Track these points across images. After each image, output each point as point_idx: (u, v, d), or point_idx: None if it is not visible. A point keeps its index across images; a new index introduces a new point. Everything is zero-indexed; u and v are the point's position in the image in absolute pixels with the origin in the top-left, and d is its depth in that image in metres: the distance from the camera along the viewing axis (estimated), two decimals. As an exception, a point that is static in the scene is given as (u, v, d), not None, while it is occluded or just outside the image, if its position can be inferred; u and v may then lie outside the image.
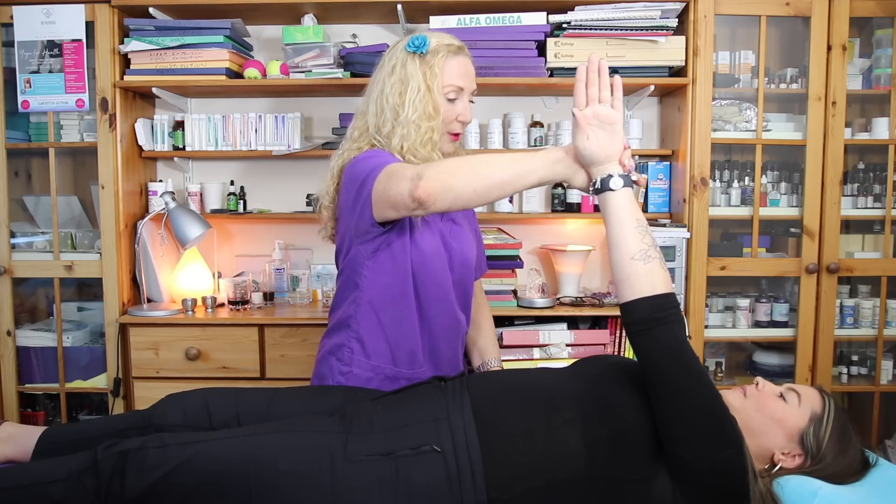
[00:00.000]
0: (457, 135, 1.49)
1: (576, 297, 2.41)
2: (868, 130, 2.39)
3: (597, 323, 2.40)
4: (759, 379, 1.32)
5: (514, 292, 2.39)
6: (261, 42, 2.61)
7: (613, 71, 2.27)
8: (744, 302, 2.41)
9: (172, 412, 1.36)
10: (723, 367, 2.49)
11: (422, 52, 1.42)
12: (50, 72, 2.31)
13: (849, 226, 2.45)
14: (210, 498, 1.15)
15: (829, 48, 2.27)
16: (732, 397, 1.28)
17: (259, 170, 2.67)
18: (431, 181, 1.17)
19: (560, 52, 2.28)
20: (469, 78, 1.47)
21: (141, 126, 2.44)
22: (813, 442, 1.21)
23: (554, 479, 1.16)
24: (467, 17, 2.30)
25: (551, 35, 2.31)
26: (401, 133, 1.40)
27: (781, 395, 1.27)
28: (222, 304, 2.45)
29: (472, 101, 1.49)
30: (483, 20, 2.30)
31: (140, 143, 2.45)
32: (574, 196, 2.50)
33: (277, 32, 2.52)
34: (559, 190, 2.52)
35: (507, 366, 2.18)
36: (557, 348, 2.26)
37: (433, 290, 1.46)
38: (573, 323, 2.40)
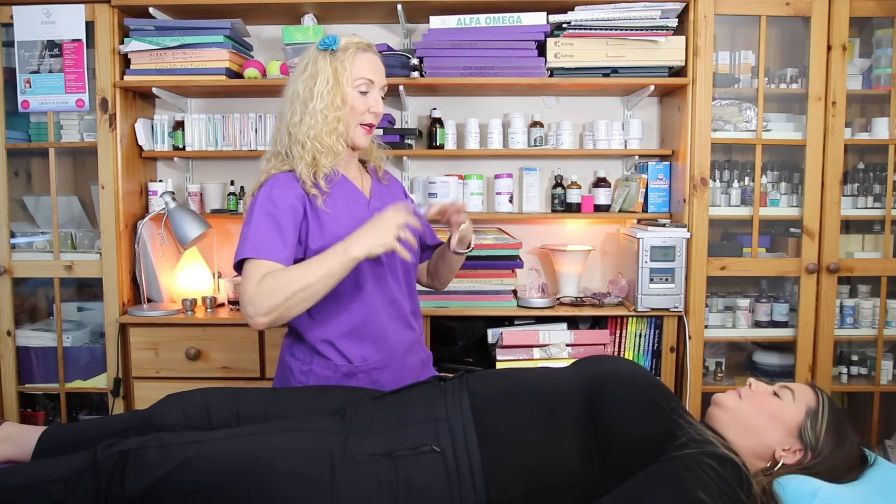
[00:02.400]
0: (370, 126, 1.56)
1: (576, 297, 2.41)
2: (868, 130, 2.39)
3: (597, 323, 2.40)
4: (751, 380, 1.34)
5: (514, 292, 2.40)
6: (261, 42, 2.61)
7: (613, 71, 2.30)
8: (744, 302, 2.41)
9: (172, 412, 1.36)
10: (723, 367, 2.49)
11: (332, 50, 1.49)
12: (50, 72, 2.31)
13: (849, 226, 2.45)
14: (210, 498, 1.15)
15: (829, 48, 2.27)
16: (728, 399, 1.29)
17: (259, 170, 2.66)
18: (259, 318, 1.36)
19: (560, 52, 2.28)
20: (378, 72, 1.54)
21: (141, 126, 2.44)
22: (811, 435, 1.22)
23: (550, 482, 1.16)
24: (467, 17, 2.30)
25: (551, 35, 2.31)
26: (308, 122, 1.47)
27: (775, 393, 1.28)
28: (222, 304, 2.45)
29: (382, 97, 1.57)
30: (483, 20, 2.30)
31: (140, 143, 2.45)
32: (574, 196, 2.50)
33: (277, 32, 2.52)
34: (559, 190, 2.52)
35: (507, 366, 2.20)
36: (557, 348, 2.26)
37: (365, 281, 1.51)
38: (573, 323, 2.40)
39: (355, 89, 1.50)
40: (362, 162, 1.69)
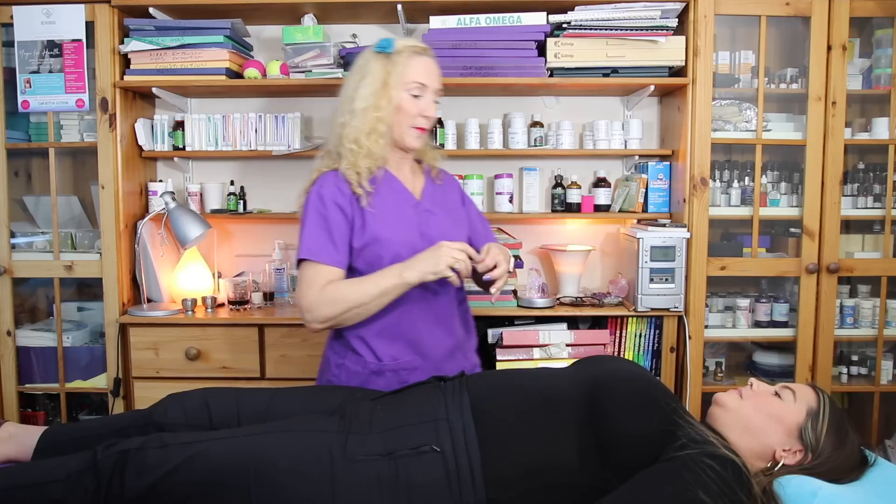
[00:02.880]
0: (422, 129, 1.56)
1: (576, 297, 2.41)
2: (868, 130, 2.39)
3: (597, 323, 2.40)
4: (752, 380, 1.33)
5: (514, 292, 2.40)
6: (261, 42, 2.61)
7: (613, 71, 2.30)
8: (744, 302, 2.41)
9: (173, 411, 1.37)
10: (723, 367, 2.49)
11: (387, 52, 1.51)
12: (50, 72, 2.31)
13: (849, 226, 2.45)
14: (210, 498, 1.15)
15: (829, 48, 2.27)
16: (729, 399, 1.29)
17: (259, 170, 2.67)
18: (315, 325, 1.48)
19: (560, 52, 2.28)
20: (432, 77, 1.55)
21: (141, 126, 2.44)
22: (812, 436, 1.22)
23: (550, 482, 1.16)
24: (467, 17, 2.30)
25: (551, 35, 2.31)
26: (351, 124, 1.52)
27: (776, 394, 1.28)
28: (222, 304, 2.45)
29: (436, 102, 1.57)
30: (483, 20, 2.30)
31: (140, 143, 2.45)
32: (574, 196, 2.50)
33: (277, 32, 2.52)
34: (559, 190, 2.52)
35: (507, 366, 2.20)
36: (557, 348, 2.26)
37: None
38: (573, 323, 2.40)
39: (407, 92, 1.51)
40: (419, 161, 1.69)
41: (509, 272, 1.51)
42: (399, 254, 1.48)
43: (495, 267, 1.47)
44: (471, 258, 1.44)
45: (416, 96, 1.52)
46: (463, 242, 1.46)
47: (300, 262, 1.50)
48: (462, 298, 1.65)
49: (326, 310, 1.45)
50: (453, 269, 1.42)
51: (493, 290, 1.50)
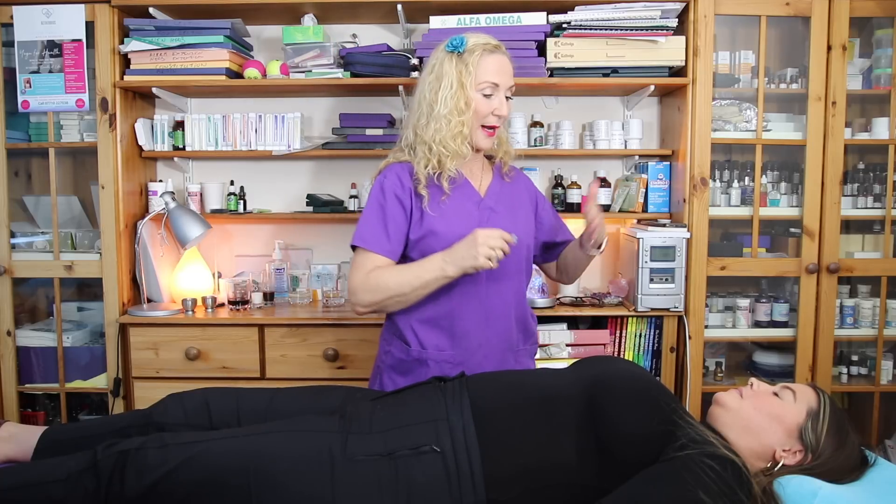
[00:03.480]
0: (493, 128, 1.57)
1: (576, 297, 2.41)
2: (868, 130, 2.39)
3: (597, 323, 2.40)
4: (752, 379, 1.33)
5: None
6: (261, 42, 2.61)
7: (613, 71, 2.30)
8: (744, 302, 2.41)
9: (173, 411, 1.37)
10: (723, 367, 2.49)
11: (459, 52, 1.51)
12: (50, 72, 2.31)
13: (849, 226, 2.45)
14: (210, 498, 1.15)
15: (829, 48, 2.27)
16: (729, 398, 1.29)
17: (259, 170, 2.67)
18: (359, 308, 1.53)
19: (560, 52, 2.28)
20: (504, 74, 1.55)
21: (141, 126, 2.44)
22: (812, 436, 1.22)
23: (550, 482, 1.16)
24: (467, 17, 2.30)
25: (551, 35, 2.31)
26: (434, 127, 1.51)
27: (776, 394, 1.28)
28: (222, 304, 2.45)
29: (509, 98, 1.57)
30: (483, 20, 2.30)
31: (140, 143, 2.45)
32: (574, 196, 2.50)
33: (277, 32, 2.52)
34: (559, 190, 2.52)
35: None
36: (557, 348, 2.26)
37: (460, 277, 1.49)
38: (573, 323, 2.40)
39: (479, 92, 1.52)
40: (490, 157, 1.70)
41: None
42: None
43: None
44: (508, 242, 1.44)
45: (487, 95, 1.52)
46: (498, 229, 1.45)
47: (353, 247, 1.55)
48: (522, 300, 1.64)
49: (368, 296, 1.50)
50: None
51: (584, 239, 1.53)
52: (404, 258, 1.57)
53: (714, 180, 2.42)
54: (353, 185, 2.53)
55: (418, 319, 1.55)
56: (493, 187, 1.64)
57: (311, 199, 2.49)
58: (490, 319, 1.57)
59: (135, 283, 2.44)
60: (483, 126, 1.55)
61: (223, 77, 2.32)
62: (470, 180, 1.60)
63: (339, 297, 2.45)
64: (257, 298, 2.45)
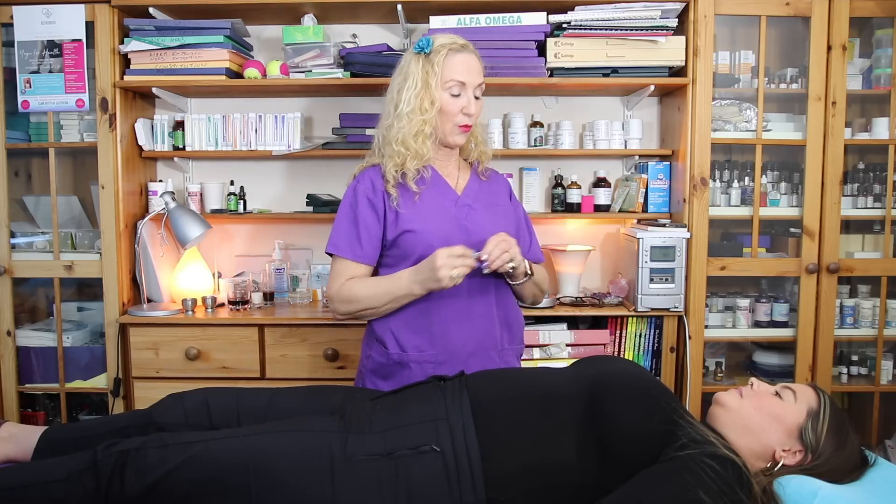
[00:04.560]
0: (466, 126, 1.56)
1: (576, 297, 2.41)
2: (868, 130, 2.39)
3: (597, 323, 2.40)
4: (753, 379, 1.33)
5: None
6: (261, 42, 2.61)
7: (613, 71, 2.30)
8: (744, 302, 2.41)
9: (173, 411, 1.37)
10: (723, 367, 2.49)
11: (426, 52, 1.52)
12: (50, 72, 2.31)
13: (849, 226, 2.45)
14: (210, 497, 1.15)
15: (829, 48, 2.27)
16: (729, 398, 1.29)
17: (259, 170, 2.67)
18: (337, 315, 1.58)
19: (560, 52, 2.28)
20: (471, 73, 1.54)
21: (141, 126, 2.44)
22: (812, 437, 1.22)
23: (549, 482, 1.16)
24: (467, 17, 2.30)
25: (551, 35, 2.31)
26: (397, 126, 1.53)
27: (777, 394, 1.28)
28: (222, 304, 2.45)
29: (477, 97, 1.56)
30: (483, 20, 2.30)
31: (140, 143, 2.45)
32: (574, 196, 2.50)
33: (277, 32, 2.52)
34: (559, 190, 2.52)
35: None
36: (557, 348, 2.26)
37: None
38: (573, 323, 2.40)
39: (447, 92, 1.52)
40: (467, 159, 1.70)
41: (511, 264, 1.48)
42: (432, 244, 1.48)
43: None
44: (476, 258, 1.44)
45: (455, 95, 1.53)
46: (460, 246, 1.44)
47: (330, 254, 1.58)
48: (506, 301, 1.63)
49: (343, 307, 1.54)
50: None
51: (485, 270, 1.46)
52: (387, 257, 1.58)
53: (714, 180, 2.42)
54: (353, 185, 2.53)
55: (396, 322, 1.55)
56: (471, 185, 1.64)
57: (311, 199, 2.49)
58: (472, 318, 1.56)
59: (135, 283, 2.44)
60: (457, 125, 1.55)
61: (223, 77, 2.32)
62: (446, 179, 1.60)
63: (339, 297, 2.45)
64: (257, 298, 2.45)
